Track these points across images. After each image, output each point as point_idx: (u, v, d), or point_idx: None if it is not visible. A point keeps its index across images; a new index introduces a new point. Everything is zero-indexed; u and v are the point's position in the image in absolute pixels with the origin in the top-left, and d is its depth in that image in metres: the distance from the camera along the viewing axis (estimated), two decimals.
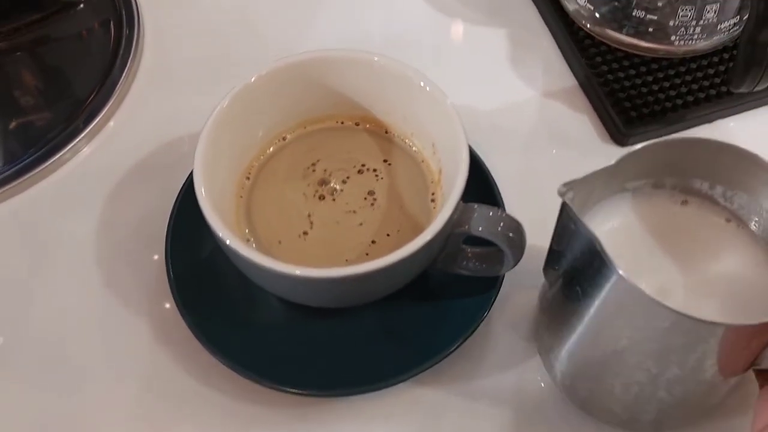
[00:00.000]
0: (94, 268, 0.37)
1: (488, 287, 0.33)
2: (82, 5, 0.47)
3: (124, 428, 0.32)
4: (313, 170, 0.34)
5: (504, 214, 0.30)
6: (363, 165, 0.34)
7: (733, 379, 0.27)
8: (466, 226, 0.30)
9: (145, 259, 0.36)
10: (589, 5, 0.42)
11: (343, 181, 0.34)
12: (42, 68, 0.46)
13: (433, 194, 0.34)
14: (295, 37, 0.45)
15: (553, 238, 0.30)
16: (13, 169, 0.40)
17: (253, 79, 0.32)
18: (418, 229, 0.33)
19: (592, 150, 0.40)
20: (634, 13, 0.40)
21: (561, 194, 0.26)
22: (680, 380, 0.27)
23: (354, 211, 0.33)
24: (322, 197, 0.33)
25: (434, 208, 0.33)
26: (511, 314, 0.35)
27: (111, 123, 0.42)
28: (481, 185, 0.36)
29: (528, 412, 0.32)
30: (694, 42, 0.40)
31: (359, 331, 0.33)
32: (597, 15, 0.42)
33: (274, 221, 0.33)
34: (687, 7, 0.39)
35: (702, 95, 0.41)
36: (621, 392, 0.29)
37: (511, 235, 0.30)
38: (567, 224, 0.28)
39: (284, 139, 0.35)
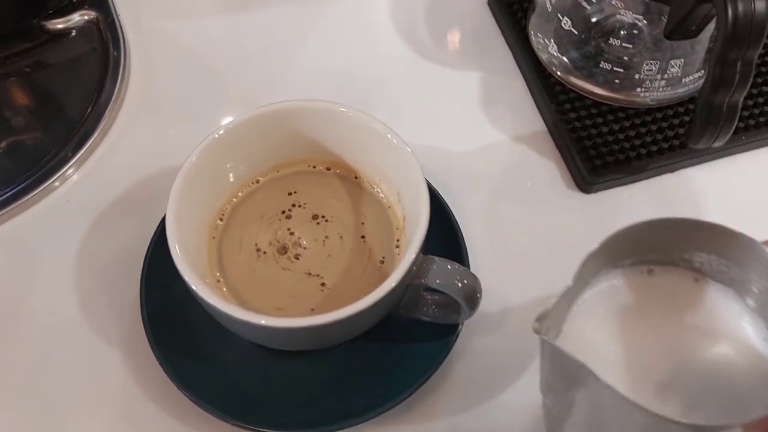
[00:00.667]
0: (73, 297, 0.38)
1: (448, 333, 0.34)
2: (72, 34, 0.48)
3: None
4: (285, 214, 0.36)
5: (461, 269, 0.32)
6: (332, 209, 0.36)
7: None
8: (425, 279, 0.31)
9: (123, 292, 0.38)
10: (559, 54, 0.43)
11: (314, 225, 0.35)
12: (34, 94, 0.48)
13: (398, 240, 0.35)
14: (279, 71, 0.47)
15: (541, 366, 0.29)
16: (3, 197, 0.41)
17: (221, 132, 0.33)
18: (383, 275, 0.34)
19: (557, 197, 0.41)
20: (602, 65, 0.42)
21: (536, 331, 0.26)
22: None
23: (324, 254, 0.35)
24: (291, 242, 0.35)
25: (398, 254, 0.35)
26: (470, 360, 0.36)
27: (98, 151, 0.44)
28: (445, 229, 0.37)
29: None
30: (659, 94, 0.42)
31: (323, 372, 0.35)
32: (567, 64, 0.43)
33: (243, 264, 0.34)
34: (653, 62, 0.41)
35: (666, 145, 0.42)
36: None
37: (466, 288, 0.31)
38: (551, 355, 0.27)
39: (257, 182, 0.37)
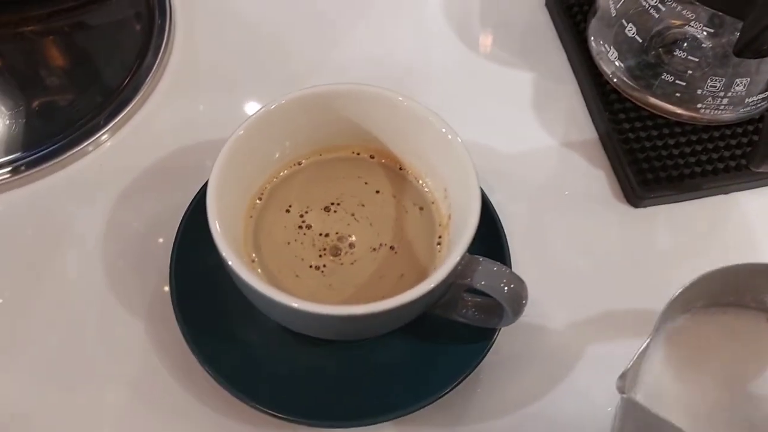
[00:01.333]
0: (99, 264, 0.37)
1: (483, 337, 0.33)
2: None
3: (108, 430, 0.33)
4: (324, 200, 0.34)
5: (508, 271, 0.30)
6: (373, 200, 0.35)
7: None
8: (469, 279, 0.30)
9: (150, 263, 0.37)
10: (619, 62, 0.42)
11: (353, 214, 0.34)
12: (73, 56, 0.47)
13: (439, 238, 0.34)
14: (322, 56, 0.45)
15: (621, 424, 0.29)
16: (34, 157, 0.40)
17: (273, 107, 0.32)
18: (421, 272, 0.33)
19: (604, 208, 0.40)
20: (663, 76, 0.40)
21: (621, 391, 0.25)
22: None
23: (361, 245, 0.33)
24: (330, 226, 0.34)
25: (439, 251, 0.34)
26: (503, 368, 0.35)
27: (135, 119, 0.43)
28: (489, 231, 0.36)
29: None
30: (720, 112, 0.40)
31: (350, 365, 0.34)
32: (626, 72, 0.42)
33: (279, 246, 0.33)
34: (717, 78, 0.39)
35: (721, 165, 0.40)
36: None
37: (512, 293, 0.30)
38: (636, 415, 0.26)
39: (299, 164, 0.35)
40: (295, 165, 0.35)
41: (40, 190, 0.40)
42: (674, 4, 0.38)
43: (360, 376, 0.33)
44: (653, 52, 0.42)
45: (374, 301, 0.28)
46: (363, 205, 0.34)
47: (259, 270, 0.32)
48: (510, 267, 0.35)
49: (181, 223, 0.35)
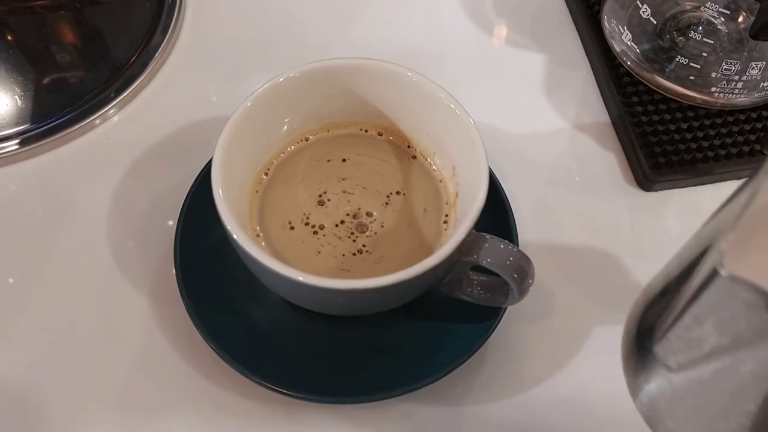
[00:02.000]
0: (104, 238, 0.37)
1: (488, 317, 0.33)
2: None
3: (111, 405, 0.33)
4: (331, 178, 0.34)
5: (515, 249, 0.30)
6: (380, 178, 0.34)
7: None
8: (475, 256, 0.30)
9: (155, 238, 0.37)
10: (633, 44, 0.41)
11: (360, 192, 0.34)
12: (83, 31, 0.47)
13: (446, 216, 0.34)
14: (333, 36, 0.45)
15: (695, 311, 0.21)
16: (43, 129, 0.40)
17: (281, 79, 0.32)
18: (427, 249, 0.33)
19: (615, 191, 0.39)
20: (677, 59, 0.40)
21: (719, 266, 0.18)
22: None
23: (366, 222, 0.33)
24: (335, 203, 0.33)
25: (446, 230, 0.33)
26: (508, 347, 0.34)
27: (143, 94, 0.42)
28: (496, 211, 0.36)
29: None
30: (734, 96, 0.40)
31: (353, 342, 0.33)
32: (639, 54, 0.41)
33: (285, 220, 0.33)
34: (732, 61, 0.38)
35: (734, 150, 0.40)
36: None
37: (519, 271, 0.29)
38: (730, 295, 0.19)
39: (307, 140, 0.35)
40: (302, 141, 0.35)
41: (47, 162, 0.40)
42: None
43: (363, 353, 0.33)
44: (667, 35, 0.41)
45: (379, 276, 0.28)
46: (369, 184, 0.34)
47: (263, 244, 0.32)
48: (518, 246, 0.35)
49: (186, 197, 0.35)
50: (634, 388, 0.24)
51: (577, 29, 0.45)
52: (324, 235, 0.33)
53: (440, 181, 0.35)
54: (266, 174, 0.34)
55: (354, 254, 0.32)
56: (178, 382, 0.33)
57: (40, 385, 0.33)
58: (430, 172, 0.35)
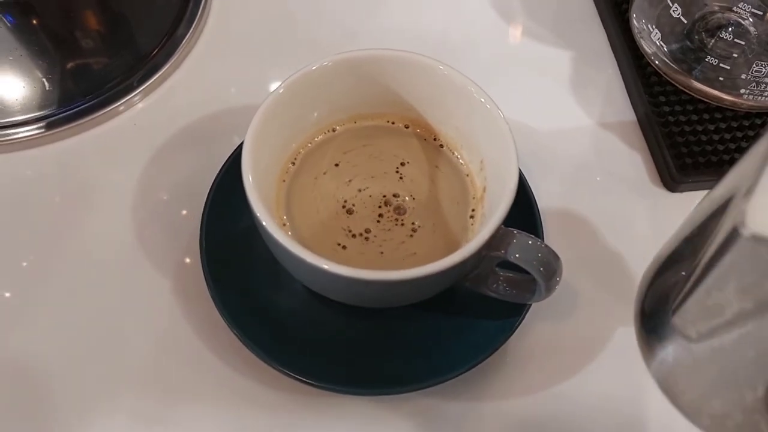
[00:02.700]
0: (129, 223, 0.37)
1: (512, 314, 0.33)
2: None
3: (132, 388, 0.33)
4: (357, 169, 0.34)
5: (543, 245, 0.30)
6: (406, 171, 0.34)
7: None
8: (503, 251, 0.29)
9: (180, 224, 0.37)
10: (661, 42, 0.41)
11: (386, 183, 0.34)
12: (109, 18, 0.47)
13: (473, 210, 0.33)
14: (357, 26, 0.45)
15: (718, 274, 0.19)
16: (67, 113, 0.40)
17: (314, 68, 0.32)
18: (453, 244, 0.32)
19: (640, 191, 0.39)
20: (706, 59, 0.39)
21: (739, 226, 0.16)
22: None
23: (391, 216, 0.33)
24: (361, 195, 0.33)
25: (472, 224, 0.33)
26: (531, 344, 0.34)
27: (168, 82, 0.42)
28: (522, 207, 0.35)
29: None
30: (763, 98, 0.39)
31: (375, 334, 0.33)
32: (668, 54, 0.41)
33: (311, 210, 0.33)
34: (762, 63, 0.38)
35: None
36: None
37: (547, 267, 0.29)
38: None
39: (334, 130, 0.35)
40: (329, 131, 0.35)
41: (71, 147, 0.40)
42: None
43: (386, 346, 0.33)
44: (696, 36, 0.41)
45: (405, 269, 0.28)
46: (397, 175, 0.34)
47: (290, 233, 0.32)
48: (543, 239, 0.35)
49: (213, 184, 0.35)
50: (651, 360, 0.23)
51: (604, 26, 0.45)
52: (349, 227, 0.33)
53: (467, 175, 0.34)
54: (293, 163, 0.34)
55: (378, 247, 0.32)
56: (199, 367, 0.33)
57: (62, 368, 0.33)
58: (457, 166, 0.35)
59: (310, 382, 0.31)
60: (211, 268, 0.33)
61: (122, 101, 0.41)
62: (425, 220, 0.33)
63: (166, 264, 0.36)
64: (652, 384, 0.25)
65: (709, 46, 0.40)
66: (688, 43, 0.41)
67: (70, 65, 0.43)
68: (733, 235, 0.17)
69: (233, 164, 0.35)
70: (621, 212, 0.38)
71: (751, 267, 0.18)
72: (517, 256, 0.29)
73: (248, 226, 0.31)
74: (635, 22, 0.42)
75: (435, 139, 0.35)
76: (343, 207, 0.33)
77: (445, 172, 0.34)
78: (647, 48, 0.42)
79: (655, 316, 0.23)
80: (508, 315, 0.33)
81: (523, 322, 0.33)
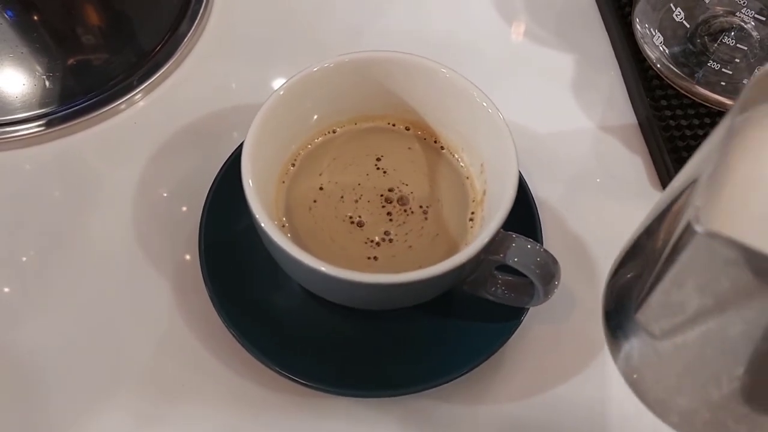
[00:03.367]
0: (130, 220, 0.37)
1: (510, 317, 0.33)
2: None
3: (131, 387, 0.33)
4: (356, 169, 0.34)
5: (542, 249, 0.30)
6: (405, 173, 0.34)
7: None
8: (502, 255, 0.29)
9: (180, 223, 0.37)
10: (664, 47, 0.41)
11: (385, 188, 0.34)
12: (111, 15, 0.47)
13: (472, 213, 0.33)
14: (360, 27, 0.45)
15: (675, 269, 0.19)
16: (68, 111, 0.40)
17: (315, 69, 0.32)
18: (452, 247, 0.32)
19: (640, 195, 0.39)
20: (708, 63, 0.39)
21: (696, 221, 0.16)
22: None
23: (390, 218, 0.33)
24: (359, 203, 0.33)
25: (471, 227, 0.33)
26: (529, 347, 0.34)
27: (170, 80, 0.42)
28: (522, 210, 0.35)
29: None
30: None
31: (373, 336, 0.33)
32: (670, 58, 0.41)
33: (310, 215, 0.33)
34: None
35: None
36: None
37: (546, 271, 0.29)
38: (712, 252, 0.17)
39: (334, 132, 0.35)
40: (329, 132, 0.35)
41: (71, 145, 0.40)
42: None
43: (383, 348, 0.33)
44: (699, 40, 0.41)
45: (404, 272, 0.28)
46: (397, 177, 0.34)
47: (289, 235, 0.32)
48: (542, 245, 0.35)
49: (212, 185, 0.35)
50: (617, 357, 0.23)
51: (606, 29, 0.45)
52: (349, 230, 0.33)
53: (467, 178, 0.34)
54: (293, 165, 0.34)
55: (377, 250, 0.32)
56: (197, 366, 0.33)
57: (61, 366, 0.33)
58: (458, 169, 0.35)
59: (306, 383, 0.31)
60: (209, 268, 0.33)
61: (123, 99, 0.41)
62: (424, 222, 0.33)
63: (166, 261, 0.36)
64: None
65: (711, 51, 0.40)
66: (691, 47, 0.41)
67: (71, 62, 0.43)
68: (688, 230, 0.17)
69: (233, 164, 0.35)
70: (621, 216, 0.38)
71: (708, 264, 0.18)
72: (515, 260, 0.29)
73: (247, 226, 0.31)
74: (638, 26, 0.42)
75: (436, 142, 0.35)
76: (343, 208, 0.33)
77: (445, 175, 0.34)
78: (649, 52, 0.41)
79: (620, 312, 0.22)
80: (506, 318, 0.33)
81: (521, 325, 0.33)
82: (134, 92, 0.41)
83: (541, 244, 0.34)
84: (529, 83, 0.43)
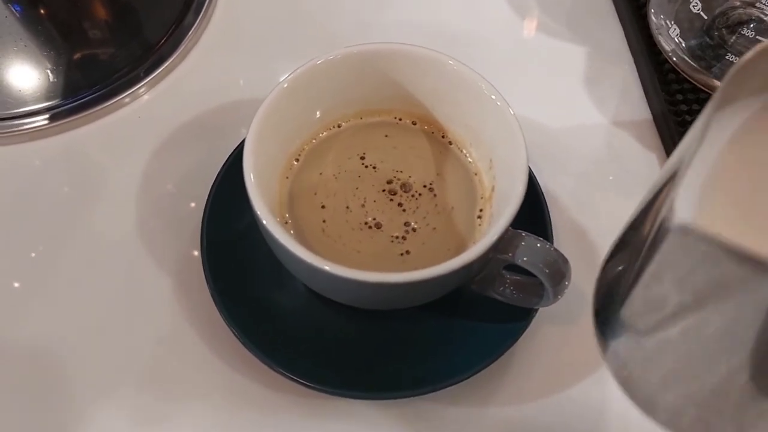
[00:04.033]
0: (134, 214, 0.37)
1: (519, 318, 0.32)
2: None
3: (132, 383, 0.32)
4: (363, 164, 0.33)
5: (552, 248, 0.29)
6: (412, 168, 0.33)
7: None
8: (511, 254, 0.29)
9: (181, 217, 0.36)
10: (680, 39, 0.40)
11: (390, 181, 0.33)
12: (114, 7, 0.46)
13: (480, 210, 0.33)
14: (368, 19, 0.44)
15: (651, 267, 0.19)
16: (73, 104, 0.40)
17: (319, 62, 0.31)
18: (460, 244, 0.32)
19: None
20: (726, 56, 0.38)
21: (667, 226, 0.16)
22: None
23: (402, 209, 0.32)
24: (364, 200, 0.33)
25: (480, 225, 0.32)
26: (538, 349, 0.33)
27: (173, 75, 0.42)
28: (532, 207, 0.34)
29: None
30: None
31: (380, 337, 0.33)
32: (686, 51, 0.40)
33: (314, 211, 0.32)
34: None
35: None
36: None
37: (556, 272, 0.28)
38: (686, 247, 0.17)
39: (339, 126, 0.34)
40: (334, 127, 0.34)
41: (76, 139, 0.39)
42: None
43: (389, 349, 0.32)
44: (716, 32, 0.39)
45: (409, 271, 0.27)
46: (402, 174, 0.33)
47: (292, 231, 0.31)
48: (552, 241, 0.34)
49: (215, 180, 0.34)
50: (605, 354, 0.23)
51: (620, 21, 0.44)
52: (370, 235, 0.32)
53: (475, 174, 0.34)
54: (297, 160, 0.33)
55: (383, 247, 0.31)
56: (199, 365, 0.33)
57: (64, 361, 0.33)
58: (466, 164, 0.34)
59: (309, 384, 0.31)
60: (211, 265, 0.32)
61: (128, 92, 0.41)
62: (433, 218, 0.32)
63: (169, 257, 0.35)
64: None
65: (729, 43, 0.39)
66: (708, 39, 0.40)
67: (75, 56, 0.42)
68: (664, 225, 0.17)
69: (236, 159, 0.34)
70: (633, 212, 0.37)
71: (685, 259, 0.17)
72: (525, 259, 0.28)
73: (251, 223, 0.30)
74: (653, 18, 0.41)
75: (443, 137, 0.34)
76: (347, 208, 0.32)
77: (453, 170, 0.34)
78: (665, 45, 0.40)
79: (607, 307, 0.22)
80: (516, 319, 0.32)
81: (531, 326, 0.32)
82: (139, 85, 0.41)
83: (551, 242, 0.34)
84: (541, 77, 0.42)
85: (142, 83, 0.41)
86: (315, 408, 0.32)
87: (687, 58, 0.40)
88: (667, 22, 0.40)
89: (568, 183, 0.38)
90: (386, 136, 0.34)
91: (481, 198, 0.33)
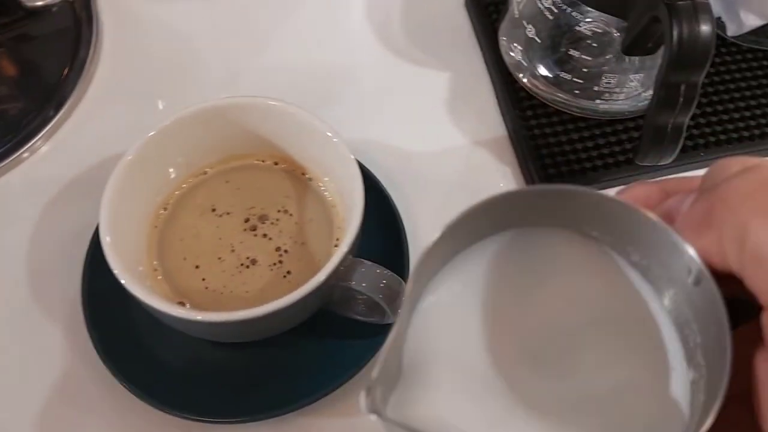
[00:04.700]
0: (23, 276, 0.39)
1: (379, 332, 0.35)
2: (52, 10, 0.49)
3: None
4: (216, 215, 0.36)
5: (386, 273, 0.32)
6: (277, 205, 0.36)
7: None
8: (352, 282, 0.32)
9: (70, 274, 0.38)
10: (525, 60, 0.43)
11: (247, 219, 0.36)
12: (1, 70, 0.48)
13: (337, 239, 0.36)
14: (248, 61, 0.47)
15: None
16: None
17: (167, 123, 0.34)
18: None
19: None
20: (562, 75, 0.42)
21: (372, 411, 0.19)
22: None
23: (268, 238, 0.35)
24: (232, 237, 0.35)
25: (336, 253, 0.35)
26: None
27: (61, 131, 0.44)
28: (391, 231, 0.38)
29: None
30: (618, 105, 0.42)
31: (256, 362, 0.35)
32: (532, 70, 0.43)
33: (183, 253, 0.35)
34: (611, 75, 0.40)
35: (622, 158, 0.42)
36: None
37: (391, 293, 0.32)
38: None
39: (205, 173, 0.37)
40: (201, 174, 0.37)
41: None
42: (564, 7, 0.39)
43: (263, 373, 0.35)
44: (559, 52, 0.43)
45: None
46: (267, 212, 0.36)
47: (160, 277, 0.34)
48: (408, 265, 0.37)
49: (92, 237, 0.37)
50: None
51: (480, 47, 0.47)
52: (231, 273, 0.34)
53: (333, 206, 0.37)
54: (165, 209, 0.36)
55: (250, 279, 0.34)
56: (93, 410, 0.35)
57: None
58: (323, 198, 0.37)
59: (193, 418, 0.33)
60: (92, 315, 0.35)
61: (10, 159, 0.42)
62: (296, 252, 0.35)
63: (57, 314, 0.37)
64: None
65: (566, 62, 0.42)
66: (550, 58, 0.43)
67: None
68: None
69: None
70: None
71: None
72: (363, 285, 0.32)
73: None
74: (502, 42, 0.45)
75: (303, 174, 0.38)
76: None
77: (313, 205, 0.37)
78: (513, 65, 0.44)
79: None
80: (376, 334, 0.35)
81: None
82: (25, 148, 0.43)
83: (407, 263, 0.37)
84: (408, 105, 0.45)
85: (30, 143, 0.43)
86: None
87: (533, 77, 0.43)
88: (513, 45, 0.44)
89: (431, 203, 0.41)
90: (227, 182, 0.37)
91: (338, 228, 0.36)
